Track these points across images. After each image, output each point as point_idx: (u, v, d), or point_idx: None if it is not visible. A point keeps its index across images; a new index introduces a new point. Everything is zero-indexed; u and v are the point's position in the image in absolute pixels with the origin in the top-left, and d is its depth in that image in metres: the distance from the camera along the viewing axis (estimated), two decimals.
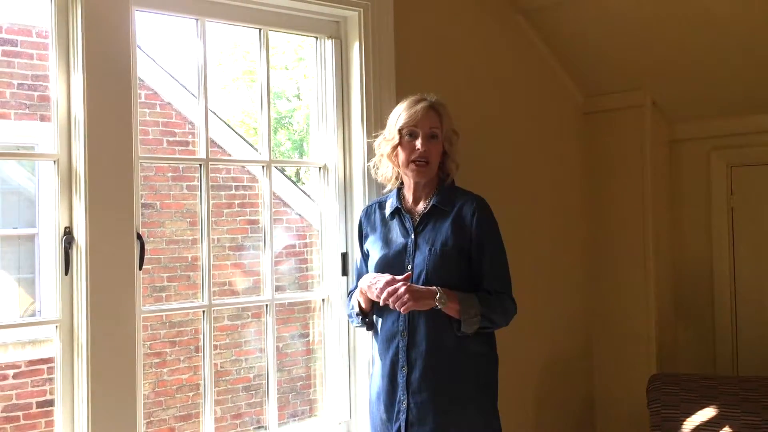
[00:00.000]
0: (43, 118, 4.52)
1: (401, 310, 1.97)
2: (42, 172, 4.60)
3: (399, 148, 2.12)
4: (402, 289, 1.96)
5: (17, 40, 4.49)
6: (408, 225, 2.14)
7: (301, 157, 9.32)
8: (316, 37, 2.63)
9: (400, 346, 2.07)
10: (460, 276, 2.06)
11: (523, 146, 3.14)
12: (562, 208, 3.32)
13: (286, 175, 5.78)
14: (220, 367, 5.29)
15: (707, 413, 2.67)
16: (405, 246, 2.12)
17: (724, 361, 3.16)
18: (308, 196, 5.30)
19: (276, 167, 2.95)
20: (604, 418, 3.37)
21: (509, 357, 3.02)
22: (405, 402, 2.06)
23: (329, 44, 2.62)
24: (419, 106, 2.11)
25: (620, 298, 3.30)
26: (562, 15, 3.04)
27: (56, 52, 2.05)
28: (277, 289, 2.52)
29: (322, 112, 2.64)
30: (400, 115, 2.13)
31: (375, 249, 2.18)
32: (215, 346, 5.65)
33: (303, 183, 5.98)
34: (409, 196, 2.19)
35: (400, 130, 2.11)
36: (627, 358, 3.26)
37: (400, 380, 2.07)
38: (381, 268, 2.12)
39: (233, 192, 5.40)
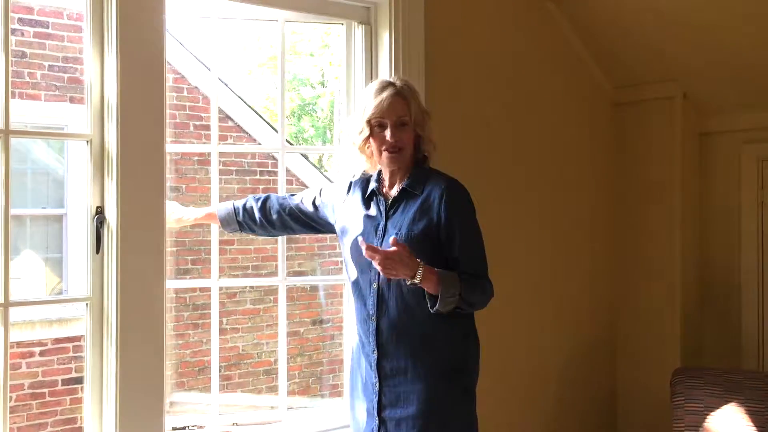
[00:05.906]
0: (72, 100, 4.57)
1: (382, 272, 1.93)
2: (72, 153, 4.66)
3: (371, 139, 2.07)
4: (388, 251, 1.89)
5: (48, 22, 4.54)
6: (382, 208, 2.11)
7: (324, 144, 9.33)
8: (345, 23, 2.63)
9: (371, 329, 2.07)
10: (428, 261, 1.99)
11: (550, 136, 3.12)
12: (588, 200, 3.29)
13: (309, 161, 5.80)
14: (242, 350, 5.34)
15: (731, 408, 2.65)
16: (376, 229, 2.09)
17: (749, 357, 3.13)
18: (332, 182, 5.31)
19: (300, 153, 2.97)
20: (626, 410, 3.35)
21: (534, 347, 3.04)
22: (377, 386, 2.05)
23: (359, 30, 2.62)
24: (385, 95, 2.04)
25: (646, 291, 3.27)
26: (594, 3, 3.00)
27: (90, 34, 2.07)
28: (299, 273, 2.52)
29: (350, 98, 2.64)
30: (366, 106, 2.06)
31: (352, 229, 2.14)
32: (237, 329, 5.71)
33: (326, 170, 5.99)
34: (386, 180, 2.14)
35: (369, 122, 2.05)
36: (651, 351, 3.24)
37: (372, 363, 2.06)
38: (352, 249, 2.10)
39: (258, 177, 5.42)
